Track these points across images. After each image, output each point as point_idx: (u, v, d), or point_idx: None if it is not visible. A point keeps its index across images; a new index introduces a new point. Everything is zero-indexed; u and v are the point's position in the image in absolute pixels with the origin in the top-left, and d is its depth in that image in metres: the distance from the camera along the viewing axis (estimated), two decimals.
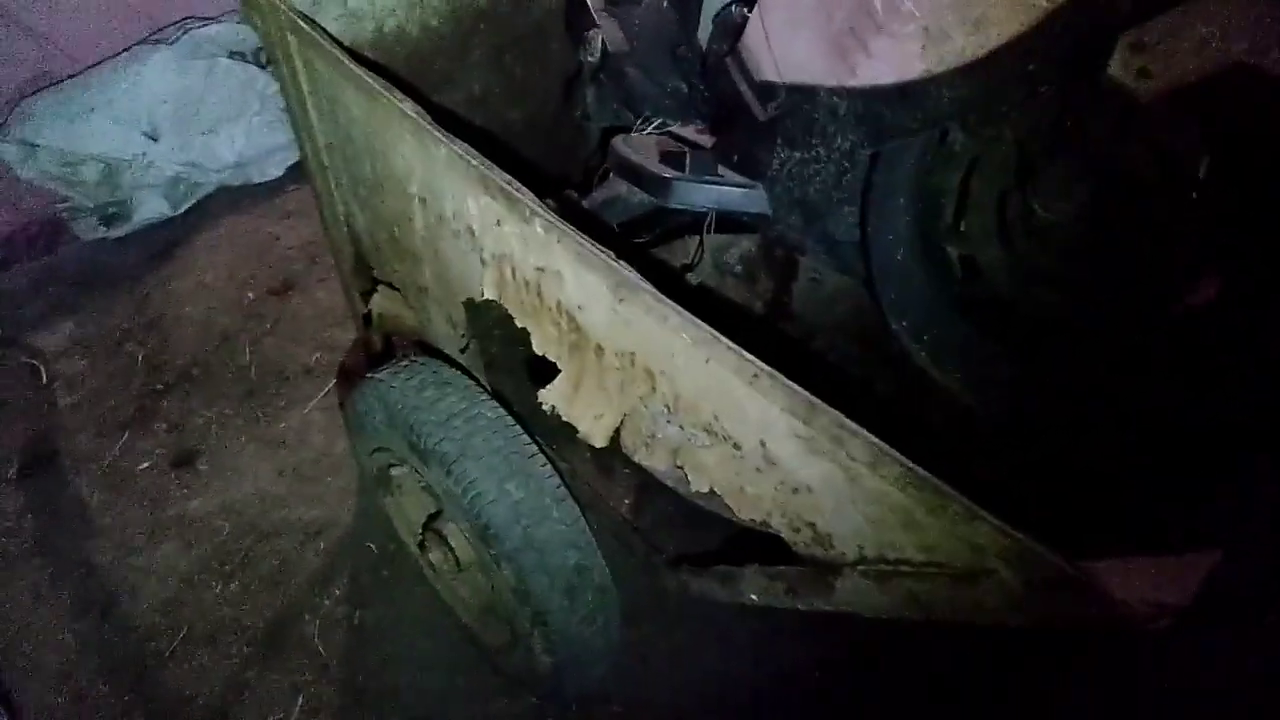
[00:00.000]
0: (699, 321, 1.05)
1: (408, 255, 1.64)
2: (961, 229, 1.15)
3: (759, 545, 1.35)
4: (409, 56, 1.86)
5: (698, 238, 1.61)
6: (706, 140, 1.63)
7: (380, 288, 1.80)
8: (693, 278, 1.65)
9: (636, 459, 1.31)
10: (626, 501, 1.68)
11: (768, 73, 1.28)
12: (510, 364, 1.53)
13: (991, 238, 1.12)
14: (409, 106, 1.35)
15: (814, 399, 0.96)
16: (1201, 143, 0.95)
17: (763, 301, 1.86)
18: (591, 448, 1.51)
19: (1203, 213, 0.97)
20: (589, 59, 1.85)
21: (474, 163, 1.25)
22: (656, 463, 1.28)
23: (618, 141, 1.62)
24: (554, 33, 2.04)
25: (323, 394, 2.37)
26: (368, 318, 1.81)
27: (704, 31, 1.65)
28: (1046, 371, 1.10)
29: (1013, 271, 1.12)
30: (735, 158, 1.42)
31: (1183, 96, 0.92)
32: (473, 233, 1.37)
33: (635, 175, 1.50)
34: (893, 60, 1.05)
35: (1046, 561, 0.86)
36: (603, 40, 1.81)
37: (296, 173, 3.08)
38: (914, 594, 1.03)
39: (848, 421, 0.94)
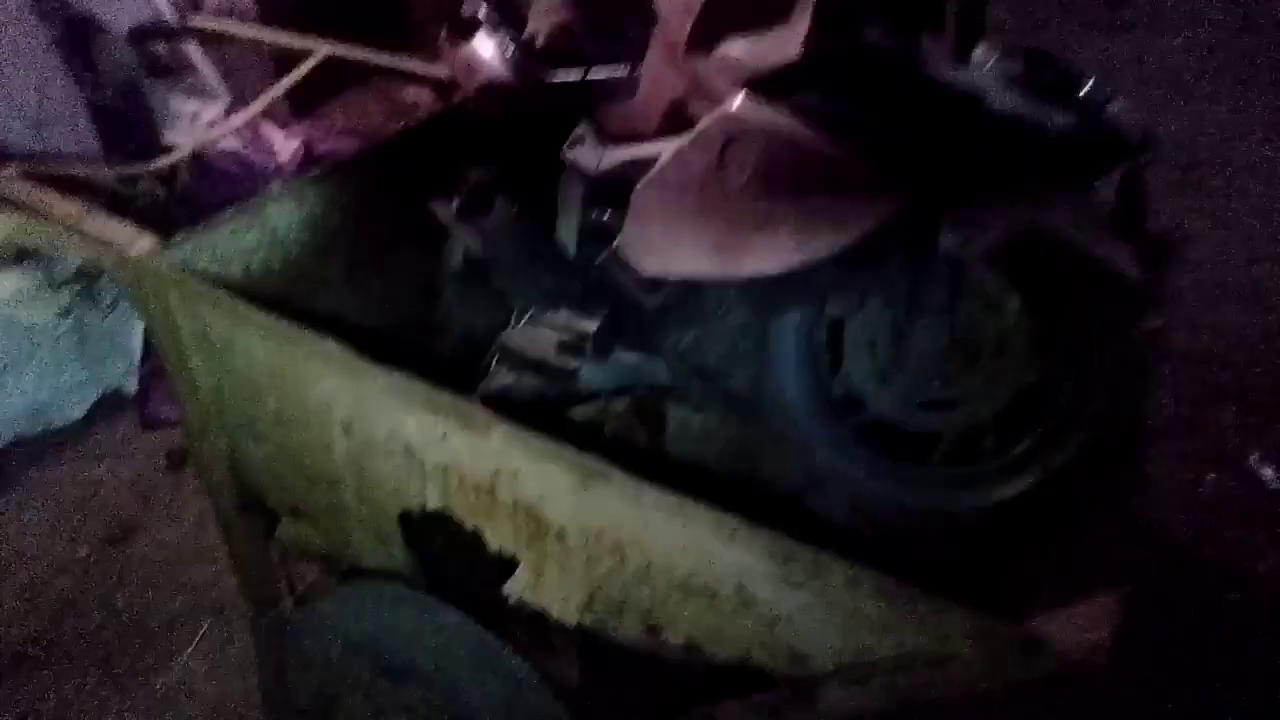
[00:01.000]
0: (673, 491, 1.21)
1: (321, 480, 1.67)
2: (845, 373, 1.42)
3: (716, 683, 1.48)
4: (273, 289, 1.93)
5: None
6: (585, 323, 1.81)
7: (286, 517, 1.79)
8: None
9: (607, 629, 1.41)
10: (572, 672, 1.75)
11: (652, 271, 1.50)
12: (452, 561, 1.59)
13: (871, 377, 1.39)
14: (333, 344, 1.44)
15: (791, 541, 1.14)
16: (1009, 288, 1.29)
17: (641, 453, 2.05)
18: (525, 623, 1.58)
19: (1023, 338, 1.29)
20: (451, 267, 2.01)
21: (419, 386, 1.36)
22: (627, 628, 1.39)
23: (508, 338, 1.77)
24: (403, 242, 2.18)
25: (198, 639, 2.23)
26: (281, 549, 1.80)
27: (564, 233, 1.87)
28: (944, 477, 1.36)
29: (894, 401, 1.39)
30: (628, 339, 1.62)
31: (993, 254, 1.24)
32: (411, 450, 1.46)
33: (539, 368, 1.65)
34: (772, 256, 1.30)
35: (1006, 632, 1.08)
36: (463, 248, 1.98)
37: (103, 410, 2.93)
38: (893, 686, 1.21)
39: (823, 554, 1.13)
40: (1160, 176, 4.09)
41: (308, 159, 3.33)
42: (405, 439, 1.45)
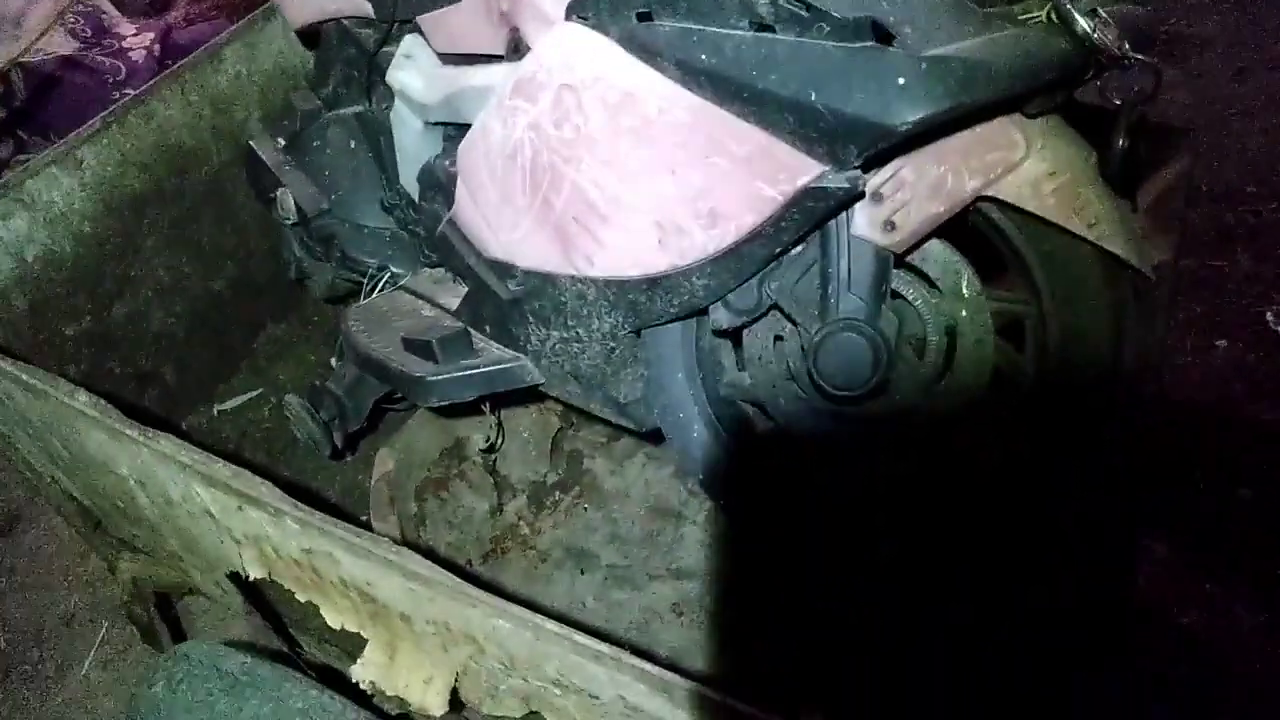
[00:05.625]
0: (514, 607, 0.92)
1: (144, 525, 1.38)
2: (748, 383, 1.08)
3: None
4: (69, 278, 1.56)
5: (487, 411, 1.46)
6: (449, 291, 1.46)
7: (125, 553, 1.53)
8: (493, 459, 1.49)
9: (484, 711, 1.16)
10: None
11: (496, 253, 1.14)
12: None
13: (778, 382, 1.06)
14: (84, 400, 1.11)
15: (663, 673, 0.86)
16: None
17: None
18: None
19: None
20: (284, 220, 1.63)
21: (195, 456, 1.04)
22: (509, 712, 1.14)
23: (351, 328, 1.42)
24: (235, 186, 1.78)
25: (97, 644, 2.03)
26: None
27: (405, 178, 1.48)
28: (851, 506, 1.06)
29: (803, 412, 1.06)
30: (488, 329, 1.27)
31: (926, 238, 0.88)
32: (213, 515, 1.16)
33: (384, 374, 1.32)
34: (630, 254, 0.94)
35: None
36: (294, 199, 1.59)
37: None
38: None
39: (708, 690, 0.85)
40: None
41: (168, 53, 2.81)
42: (203, 504, 1.15)
